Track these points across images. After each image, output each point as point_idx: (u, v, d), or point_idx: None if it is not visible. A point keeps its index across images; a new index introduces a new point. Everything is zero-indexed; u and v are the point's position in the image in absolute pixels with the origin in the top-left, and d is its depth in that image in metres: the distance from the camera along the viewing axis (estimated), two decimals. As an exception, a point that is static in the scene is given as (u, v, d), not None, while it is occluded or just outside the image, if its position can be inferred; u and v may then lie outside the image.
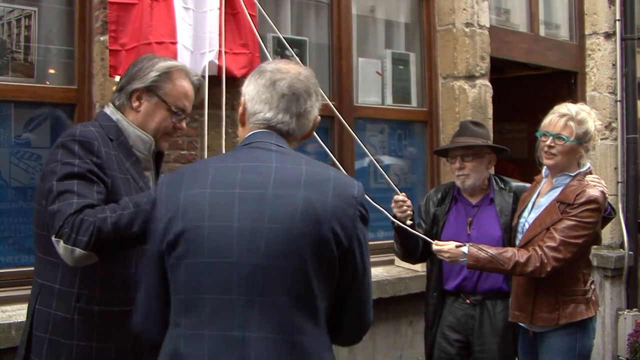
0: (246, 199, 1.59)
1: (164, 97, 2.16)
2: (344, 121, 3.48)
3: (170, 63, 2.22)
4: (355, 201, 1.66)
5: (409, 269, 4.20)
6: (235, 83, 3.64)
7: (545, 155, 3.04)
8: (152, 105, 2.15)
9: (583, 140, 3.00)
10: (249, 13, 3.46)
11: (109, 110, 2.18)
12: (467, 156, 3.29)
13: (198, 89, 2.29)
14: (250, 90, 1.78)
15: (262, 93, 1.75)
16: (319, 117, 1.80)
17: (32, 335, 2.02)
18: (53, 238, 1.87)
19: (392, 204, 3.16)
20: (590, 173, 3.10)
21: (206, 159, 1.83)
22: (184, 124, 2.25)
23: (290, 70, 1.77)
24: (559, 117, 3.01)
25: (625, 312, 5.49)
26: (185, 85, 2.21)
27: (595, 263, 5.23)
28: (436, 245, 3.05)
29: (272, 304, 1.55)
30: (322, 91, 1.87)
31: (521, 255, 2.91)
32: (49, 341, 1.99)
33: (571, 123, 2.98)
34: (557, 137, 2.99)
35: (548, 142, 3.01)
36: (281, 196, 1.59)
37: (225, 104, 3.23)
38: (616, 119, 5.72)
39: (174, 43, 3.19)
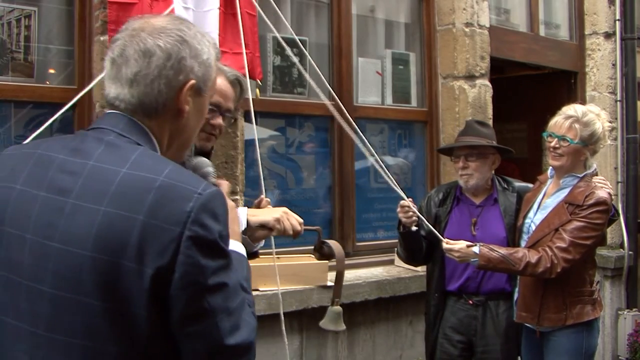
0: (46, 206, 1.25)
1: None
2: (344, 124, 3.47)
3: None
4: (187, 219, 1.18)
5: (409, 269, 4.20)
6: (235, 83, 3.65)
7: (551, 156, 3.06)
8: None
9: (588, 142, 3.01)
10: (248, 13, 3.46)
11: None
12: (471, 156, 3.28)
13: (240, 85, 2.20)
14: None
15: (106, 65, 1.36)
16: (194, 81, 1.34)
17: None
18: None
19: (398, 209, 3.15)
20: (597, 174, 3.12)
21: (42, 141, 1.43)
22: (219, 120, 2.10)
23: (137, 25, 1.35)
24: (565, 119, 3.02)
25: (625, 312, 5.48)
26: (218, 82, 2.16)
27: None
28: (447, 244, 3.04)
29: (59, 343, 1.22)
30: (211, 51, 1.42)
31: (532, 256, 2.91)
32: None
33: (576, 125, 2.98)
34: (562, 138, 3.00)
35: (553, 144, 3.02)
36: (79, 209, 1.22)
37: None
38: (616, 119, 5.72)
39: None
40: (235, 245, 1.43)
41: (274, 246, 2.73)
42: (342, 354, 4.07)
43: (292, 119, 4.34)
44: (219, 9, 3.37)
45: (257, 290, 3.66)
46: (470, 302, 3.28)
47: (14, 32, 3.33)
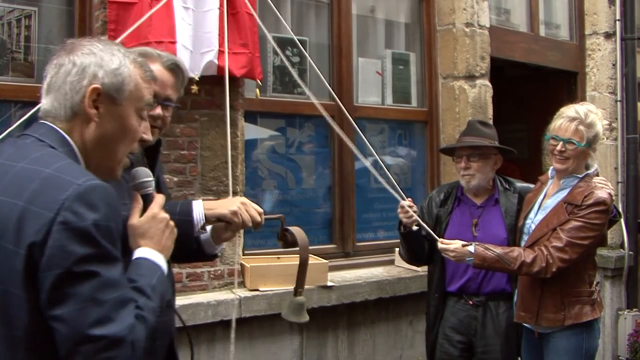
0: None
1: None
2: (339, 130, 3.47)
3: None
4: (61, 205, 1.26)
5: (409, 269, 4.20)
6: (235, 83, 3.65)
7: (556, 159, 3.02)
8: None
9: (592, 143, 3.00)
10: (248, 13, 3.47)
11: None
12: (473, 156, 3.28)
13: (180, 71, 2.06)
14: None
15: None
16: (96, 85, 1.45)
17: None
18: None
19: (399, 210, 3.14)
20: (597, 175, 3.10)
21: None
22: (158, 110, 2.00)
23: (65, 47, 1.51)
24: (570, 122, 2.97)
25: (625, 312, 5.48)
26: (154, 69, 1.92)
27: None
28: (442, 244, 3.04)
29: None
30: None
31: (527, 255, 2.91)
32: None
33: (581, 127, 2.95)
34: (568, 142, 2.96)
35: (559, 147, 2.98)
36: None
37: (224, 103, 3.23)
38: (616, 119, 5.71)
39: (173, 42, 3.19)
40: (151, 255, 1.52)
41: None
42: (342, 354, 4.07)
43: (292, 119, 4.34)
44: (219, 8, 3.37)
45: (257, 290, 3.66)
46: (471, 302, 3.28)
47: (14, 32, 3.33)
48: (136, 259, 1.51)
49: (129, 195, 1.67)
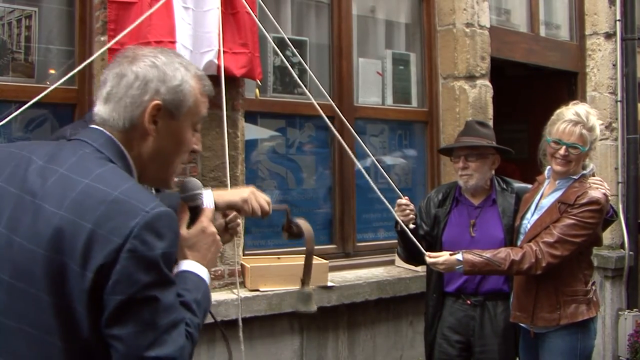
0: (18, 203, 1.37)
1: None
2: (338, 136, 3.48)
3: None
4: (130, 233, 1.28)
5: (409, 269, 4.20)
6: (235, 84, 3.65)
7: (557, 162, 3.00)
8: None
9: (593, 145, 3.01)
10: (248, 13, 3.46)
11: None
12: (471, 156, 3.28)
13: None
14: None
15: None
16: (158, 102, 1.46)
17: None
18: None
19: (395, 208, 3.15)
20: (594, 175, 3.10)
21: (29, 143, 1.59)
22: None
23: (123, 54, 1.52)
24: (574, 126, 2.95)
25: (626, 313, 5.48)
26: None
27: (595, 263, 5.20)
28: (429, 258, 3.03)
29: (11, 329, 1.35)
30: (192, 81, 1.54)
31: (516, 254, 2.91)
32: None
33: (585, 132, 2.95)
34: (572, 146, 2.95)
35: (562, 152, 2.96)
36: (42, 210, 1.34)
37: (226, 104, 3.23)
38: (616, 119, 5.72)
39: (173, 42, 3.19)
40: (197, 269, 1.56)
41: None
42: (342, 354, 4.07)
43: (292, 119, 4.34)
44: (219, 8, 3.37)
45: (258, 290, 3.66)
46: (469, 302, 3.29)
47: (14, 32, 3.34)
48: (183, 271, 1.55)
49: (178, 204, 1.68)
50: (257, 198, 1.98)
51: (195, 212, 1.65)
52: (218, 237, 1.65)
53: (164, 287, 1.34)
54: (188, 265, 1.55)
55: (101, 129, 1.46)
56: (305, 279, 2.17)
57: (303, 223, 2.13)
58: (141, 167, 1.50)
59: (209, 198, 1.93)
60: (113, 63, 1.50)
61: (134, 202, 1.32)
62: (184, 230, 1.60)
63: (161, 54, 1.51)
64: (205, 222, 1.63)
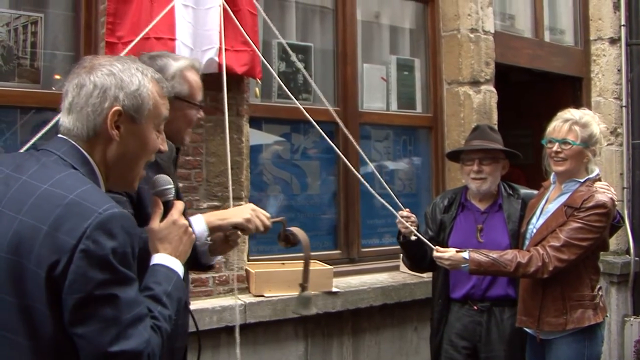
0: None
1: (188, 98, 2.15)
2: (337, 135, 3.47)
3: (180, 63, 2.17)
4: (83, 234, 1.33)
5: (414, 275, 4.19)
6: (239, 89, 3.65)
7: (554, 161, 3.03)
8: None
9: (589, 143, 3.00)
10: (249, 11, 3.47)
11: None
12: (485, 159, 3.27)
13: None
14: None
15: None
16: (118, 108, 1.51)
17: None
18: None
19: (397, 220, 3.15)
20: (600, 180, 3.10)
21: (1, 155, 1.64)
22: (202, 113, 2.25)
23: (82, 64, 1.58)
24: (563, 122, 3.02)
25: (632, 319, 5.45)
26: (195, 78, 2.20)
27: (601, 269, 5.22)
28: (437, 252, 3.03)
29: None
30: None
31: (522, 256, 2.91)
32: None
33: (575, 127, 2.99)
34: (563, 142, 2.99)
35: (555, 148, 3.00)
36: (3, 215, 1.40)
37: (229, 109, 3.23)
38: (621, 124, 5.70)
39: (173, 39, 3.19)
40: (168, 261, 1.61)
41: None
42: (347, 360, 4.06)
43: (297, 124, 4.34)
44: (220, 6, 3.37)
45: (262, 296, 3.66)
46: (475, 307, 3.28)
47: (20, 38, 3.35)
48: (154, 265, 1.60)
49: (151, 200, 1.74)
50: (258, 215, 2.08)
51: (168, 206, 1.71)
52: (190, 229, 1.70)
53: (122, 284, 1.38)
54: (159, 258, 1.61)
55: (65, 137, 1.53)
56: (304, 284, 2.31)
57: (298, 231, 2.24)
58: (107, 171, 1.56)
59: (199, 225, 1.98)
60: (72, 74, 1.56)
61: (88, 204, 1.37)
62: (155, 224, 1.65)
63: (117, 61, 1.57)
64: (176, 214, 1.68)
